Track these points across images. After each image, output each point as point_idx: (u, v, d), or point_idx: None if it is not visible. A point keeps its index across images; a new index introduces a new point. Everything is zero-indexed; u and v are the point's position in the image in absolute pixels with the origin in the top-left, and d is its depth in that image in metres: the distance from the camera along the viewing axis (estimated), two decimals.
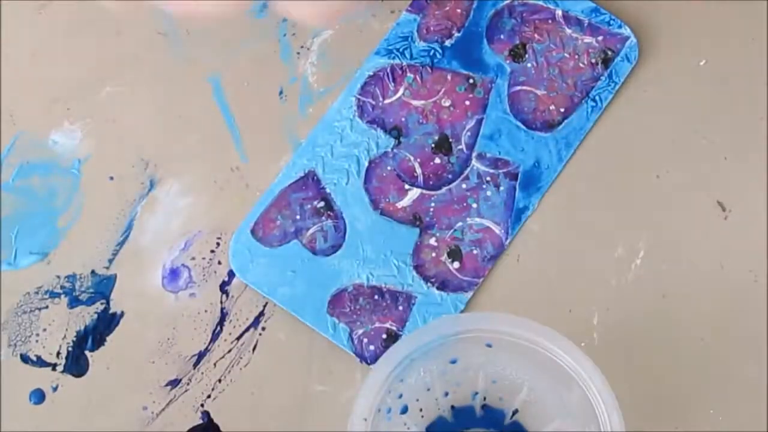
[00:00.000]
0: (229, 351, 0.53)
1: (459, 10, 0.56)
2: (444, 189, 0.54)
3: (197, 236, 0.54)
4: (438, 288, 0.52)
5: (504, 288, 0.53)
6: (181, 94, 0.57)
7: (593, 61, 0.55)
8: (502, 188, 0.53)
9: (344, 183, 0.54)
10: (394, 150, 0.54)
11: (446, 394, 0.50)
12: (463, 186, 0.54)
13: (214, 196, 0.55)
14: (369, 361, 0.52)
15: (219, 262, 0.54)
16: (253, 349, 0.53)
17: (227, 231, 0.54)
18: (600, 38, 0.55)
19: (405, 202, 0.53)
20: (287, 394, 0.52)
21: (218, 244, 0.54)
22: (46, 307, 0.54)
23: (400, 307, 0.52)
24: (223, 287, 0.53)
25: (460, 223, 0.53)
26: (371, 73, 0.55)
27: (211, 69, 0.57)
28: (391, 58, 0.55)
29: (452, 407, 0.50)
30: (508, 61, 0.55)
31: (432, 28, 0.56)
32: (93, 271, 0.54)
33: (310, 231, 0.53)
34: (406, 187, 0.54)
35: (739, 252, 0.53)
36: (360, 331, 0.52)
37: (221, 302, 0.53)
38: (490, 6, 0.56)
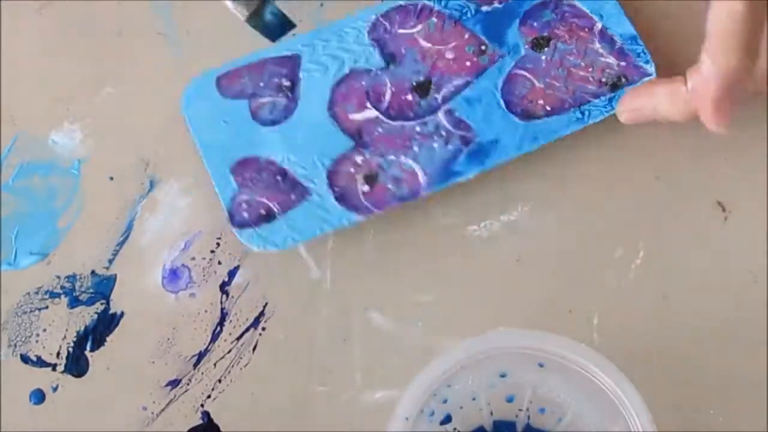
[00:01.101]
0: (229, 351, 0.53)
1: None
2: (398, 123, 0.55)
3: (197, 236, 0.54)
4: (336, 198, 0.53)
5: (504, 288, 0.53)
6: (181, 94, 0.57)
7: (604, 80, 0.55)
8: (449, 147, 0.54)
9: (318, 76, 0.55)
10: (378, 71, 0.56)
11: (490, 405, 0.50)
12: (417, 129, 0.54)
13: (214, 196, 0.55)
14: (235, 224, 0.53)
15: (219, 263, 0.54)
16: (253, 349, 0.53)
17: (227, 231, 0.54)
18: (623, 64, 0.55)
19: (357, 116, 0.55)
20: (287, 394, 0.52)
21: (218, 244, 0.54)
22: (46, 307, 0.54)
23: (293, 196, 0.53)
24: (223, 287, 0.53)
25: (392, 157, 0.54)
26: (402, 4, 0.57)
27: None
28: None
29: (494, 420, 0.50)
30: (527, 47, 0.56)
31: None
32: (93, 272, 0.54)
33: (263, 99, 0.55)
34: (367, 105, 0.55)
35: (739, 252, 0.53)
36: (245, 197, 0.53)
37: (221, 302, 0.53)
38: None
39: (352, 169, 0.54)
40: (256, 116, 0.55)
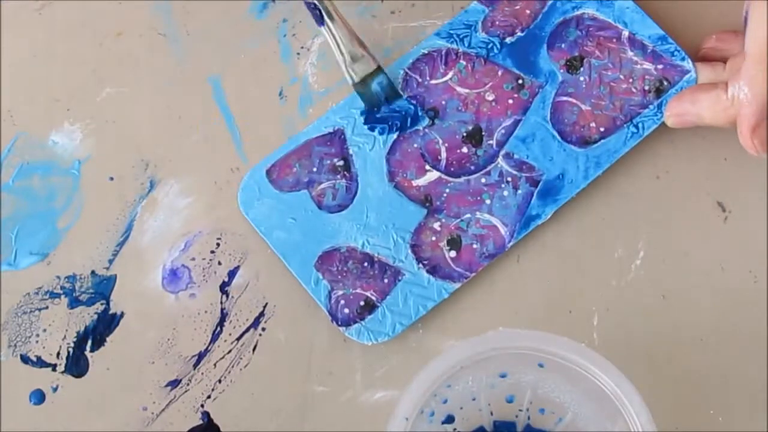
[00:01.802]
0: (229, 351, 0.53)
1: (528, 11, 0.56)
2: (463, 178, 0.54)
3: (197, 237, 0.54)
4: (428, 271, 0.52)
5: (504, 288, 0.53)
6: (181, 94, 0.57)
7: (647, 87, 0.54)
8: (520, 191, 0.53)
9: (368, 149, 0.54)
10: (426, 129, 0.54)
11: (490, 405, 0.50)
12: (483, 180, 0.54)
13: (214, 197, 0.55)
14: (340, 323, 0.52)
15: (219, 263, 0.54)
16: (253, 349, 0.53)
17: (227, 231, 0.54)
18: (660, 67, 0.54)
19: (421, 181, 0.54)
20: (287, 394, 0.52)
21: (218, 244, 0.54)
22: (46, 307, 0.54)
23: (386, 280, 0.52)
24: (223, 288, 0.53)
25: (468, 215, 0.53)
26: (426, 52, 0.56)
27: (211, 69, 0.57)
28: (450, 42, 0.56)
29: (494, 421, 0.50)
30: (562, 71, 0.55)
31: (497, 23, 0.56)
32: (93, 272, 0.54)
33: (322, 185, 0.54)
34: (427, 167, 0.54)
35: (739, 252, 0.53)
36: (340, 292, 0.52)
37: (221, 303, 0.53)
38: (559, 13, 0.56)
39: (433, 238, 0.53)
40: (321, 205, 0.53)
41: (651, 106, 0.54)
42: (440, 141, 0.54)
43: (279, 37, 0.57)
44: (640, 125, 0.54)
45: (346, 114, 0.55)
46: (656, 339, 0.52)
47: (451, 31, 0.56)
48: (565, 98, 0.54)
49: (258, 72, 0.57)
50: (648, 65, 0.54)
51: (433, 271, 0.52)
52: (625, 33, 0.55)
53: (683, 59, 0.54)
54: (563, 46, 0.55)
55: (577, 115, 0.54)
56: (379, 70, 0.53)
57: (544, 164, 0.54)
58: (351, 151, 0.54)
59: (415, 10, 0.57)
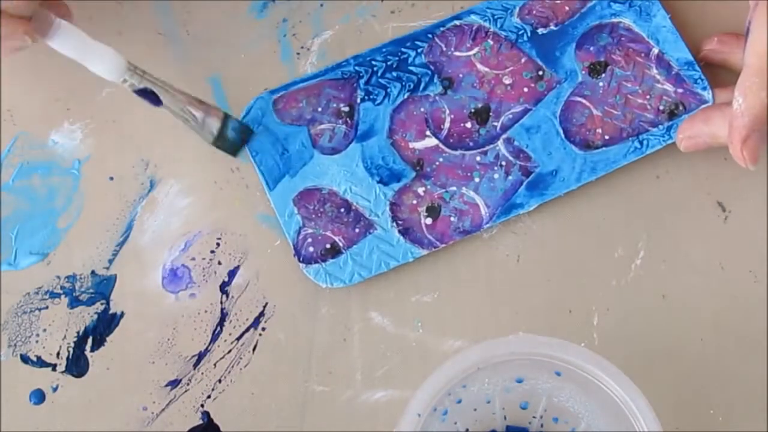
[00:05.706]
0: (229, 351, 0.53)
1: (567, 8, 0.56)
2: (459, 152, 0.54)
3: (197, 236, 0.54)
4: (400, 231, 0.53)
5: (504, 288, 0.53)
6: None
7: (661, 107, 0.54)
8: (510, 177, 0.54)
9: (377, 102, 0.55)
10: (436, 97, 0.55)
11: (504, 409, 0.50)
12: (477, 158, 0.54)
13: (214, 197, 0.55)
14: (302, 259, 0.53)
15: (219, 263, 0.54)
16: (253, 349, 0.53)
17: (227, 231, 0.54)
18: (680, 91, 0.54)
19: (418, 144, 0.54)
20: (287, 394, 0.52)
21: (218, 244, 0.54)
22: (46, 307, 0.54)
23: (357, 230, 0.53)
24: (223, 287, 0.53)
25: (454, 188, 0.54)
26: (458, 23, 0.56)
27: (211, 69, 0.57)
28: (483, 20, 0.56)
29: (507, 426, 0.50)
30: (584, 72, 0.55)
31: (534, 12, 0.56)
32: (93, 272, 0.54)
33: (322, 126, 0.55)
34: (427, 133, 0.54)
35: (739, 252, 0.53)
36: (309, 231, 0.53)
37: (221, 302, 0.53)
38: (596, 17, 0.56)
39: (414, 201, 0.53)
40: (316, 144, 0.54)
41: (660, 126, 0.54)
42: (447, 111, 0.55)
43: (279, 37, 0.57)
44: (644, 142, 0.54)
45: (365, 63, 0.55)
46: (656, 339, 0.52)
47: (488, 9, 0.56)
48: (579, 99, 0.55)
49: (258, 72, 0.57)
50: (669, 86, 0.54)
51: (405, 232, 0.53)
52: (655, 50, 0.55)
53: (705, 89, 0.54)
54: (591, 48, 0.55)
55: (586, 117, 0.54)
56: (226, 117, 0.54)
57: (541, 157, 0.54)
58: (359, 100, 0.55)
59: (415, 10, 0.58)
